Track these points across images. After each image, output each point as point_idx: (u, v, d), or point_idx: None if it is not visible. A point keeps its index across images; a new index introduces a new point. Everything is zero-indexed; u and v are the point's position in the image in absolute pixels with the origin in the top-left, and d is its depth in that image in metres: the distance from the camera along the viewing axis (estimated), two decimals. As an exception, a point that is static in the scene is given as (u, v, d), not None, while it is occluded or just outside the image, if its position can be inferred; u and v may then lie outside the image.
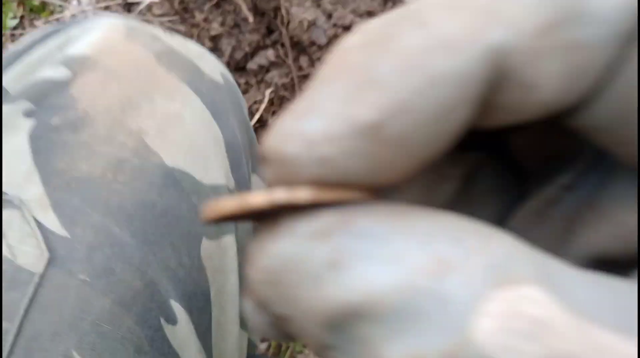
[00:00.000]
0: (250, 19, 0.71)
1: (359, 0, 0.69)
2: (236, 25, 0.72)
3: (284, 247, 0.09)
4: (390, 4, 0.69)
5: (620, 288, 0.09)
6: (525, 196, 0.13)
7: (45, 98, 0.30)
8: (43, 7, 0.83)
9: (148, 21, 0.73)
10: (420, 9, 0.09)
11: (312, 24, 0.68)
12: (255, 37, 0.71)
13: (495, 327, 0.08)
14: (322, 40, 0.68)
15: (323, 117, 0.09)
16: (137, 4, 0.77)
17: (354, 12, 0.68)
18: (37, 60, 0.33)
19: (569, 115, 0.11)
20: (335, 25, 0.68)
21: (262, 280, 0.10)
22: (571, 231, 0.12)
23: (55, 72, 0.31)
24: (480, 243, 0.09)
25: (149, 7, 0.76)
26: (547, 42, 0.09)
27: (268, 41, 0.72)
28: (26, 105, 0.30)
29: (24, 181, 0.27)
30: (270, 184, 0.10)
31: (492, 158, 0.14)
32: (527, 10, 0.09)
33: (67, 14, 0.80)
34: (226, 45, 0.71)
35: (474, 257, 0.09)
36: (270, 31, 0.72)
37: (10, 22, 0.82)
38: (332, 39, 0.68)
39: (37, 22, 0.82)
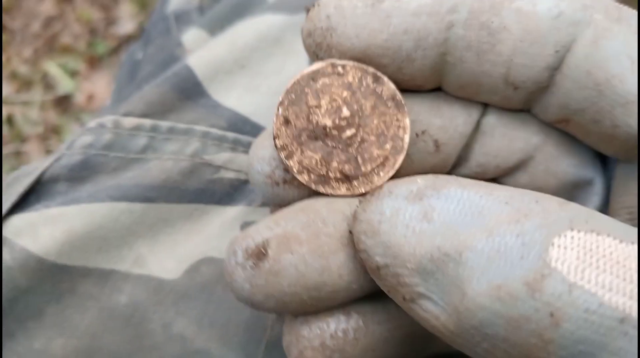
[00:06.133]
0: None
1: None
2: None
3: (384, 203, 0.12)
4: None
5: None
6: None
7: None
8: None
9: None
10: None
11: None
12: None
13: (575, 259, 0.10)
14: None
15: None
16: None
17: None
18: None
19: (534, 101, 0.14)
20: None
21: (364, 231, 0.12)
22: None
23: None
24: (558, 204, 0.11)
25: None
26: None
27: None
28: None
29: None
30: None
31: None
32: None
33: None
34: None
35: (552, 211, 0.11)
36: None
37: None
38: None
39: None
